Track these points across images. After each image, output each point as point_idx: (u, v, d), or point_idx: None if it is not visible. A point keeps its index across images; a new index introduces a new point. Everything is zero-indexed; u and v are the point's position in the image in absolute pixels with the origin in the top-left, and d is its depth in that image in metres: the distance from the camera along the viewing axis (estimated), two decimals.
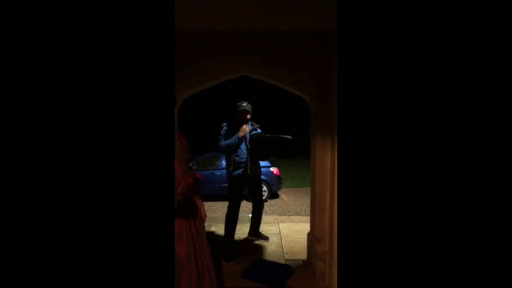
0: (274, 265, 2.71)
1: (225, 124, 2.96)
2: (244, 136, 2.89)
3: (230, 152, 2.90)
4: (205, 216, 1.59)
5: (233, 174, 2.91)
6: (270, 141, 2.81)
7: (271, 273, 2.56)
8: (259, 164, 3.12)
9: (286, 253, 3.00)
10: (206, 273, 1.53)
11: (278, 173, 6.67)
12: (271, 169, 6.57)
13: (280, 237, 3.42)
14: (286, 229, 3.67)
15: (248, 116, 2.93)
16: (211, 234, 3.49)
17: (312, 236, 2.69)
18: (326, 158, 2.43)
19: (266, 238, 3.33)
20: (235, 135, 2.86)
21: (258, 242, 3.28)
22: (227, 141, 2.87)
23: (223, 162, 6.21)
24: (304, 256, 2.88)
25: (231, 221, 2.92)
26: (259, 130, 3.08)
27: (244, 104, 2.91)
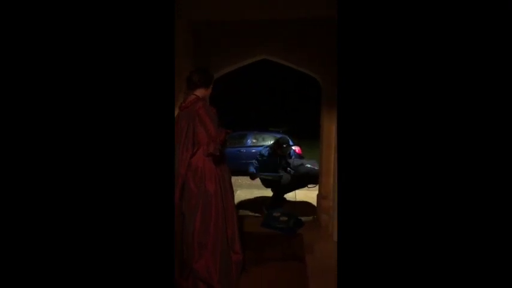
0: (288, 214, 3.23)
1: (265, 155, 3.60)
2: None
3: None
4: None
5: None
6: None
7: (284, 223, 3.11)
8: None
9: (298, 212, 3.54)
10: (230, 210, 2.04)
11: (300, 152, 7.13)
12: (293, 148, 7.02)
13: (295, 199, 3.97)
14: (301, 195, 4.20)
15: None
16: (238, 196, 4.10)
17: (319, 195, 3.20)
18: (331, 128, 2.90)
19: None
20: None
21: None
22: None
23: (249, 141, 6.74)
24: (314, 214, 3.40)
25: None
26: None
27: (285, 146, 3.59)
